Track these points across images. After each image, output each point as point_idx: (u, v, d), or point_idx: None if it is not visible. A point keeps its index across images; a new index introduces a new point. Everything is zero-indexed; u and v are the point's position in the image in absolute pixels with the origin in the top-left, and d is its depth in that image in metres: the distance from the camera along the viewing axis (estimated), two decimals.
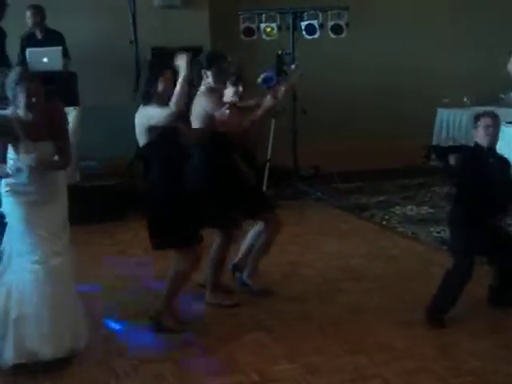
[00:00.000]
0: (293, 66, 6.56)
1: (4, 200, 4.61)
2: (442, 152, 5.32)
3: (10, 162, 4.50)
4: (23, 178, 4.48)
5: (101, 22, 9.23)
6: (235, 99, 5.65)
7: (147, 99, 4.87)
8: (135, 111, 8.73)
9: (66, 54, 8.70)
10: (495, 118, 5.23)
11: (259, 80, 6.17)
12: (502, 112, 10.35)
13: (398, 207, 8.86)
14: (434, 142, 11.38)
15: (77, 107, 8.26)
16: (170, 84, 4.81)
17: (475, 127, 5.21)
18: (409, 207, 8.84)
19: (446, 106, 11.27)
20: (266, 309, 5.51)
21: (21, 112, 4.50)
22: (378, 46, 11.02)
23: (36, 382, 4.38)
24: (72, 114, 8.19)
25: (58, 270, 4.54)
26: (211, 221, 5.39)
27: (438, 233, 7.56)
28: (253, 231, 5.94)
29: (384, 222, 8.20)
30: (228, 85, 5.62)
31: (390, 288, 5.90)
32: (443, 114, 11.35)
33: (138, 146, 8.57)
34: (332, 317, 5.32)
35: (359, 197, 9.46)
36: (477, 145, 5.20)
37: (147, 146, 4.92)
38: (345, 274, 6.33)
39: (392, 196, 9.49)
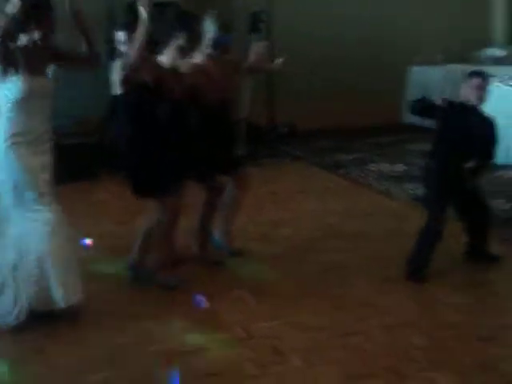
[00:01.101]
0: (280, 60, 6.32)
1: (4, 153, 4.50)
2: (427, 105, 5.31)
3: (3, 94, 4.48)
4: None
5: None
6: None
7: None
8: (107, 68, 8.73)
9: None
10: (486, 79, 5.27)
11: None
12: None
13: (372, 164, 8.94)
14: (407, 99, 11.44)
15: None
16: None
17: (464, 84, 5.24)
18: (383, 164, 8.92)
19: (418, 63, 11.33)
20: (247, 268, 5.56)
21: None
22: (355, 2, 10.98)
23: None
24: None
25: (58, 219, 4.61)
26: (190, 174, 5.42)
27: (412, 190, 7.65)
28: None
29: (360, 180, 8.27)
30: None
31: (368, 245, 5.98)
32: (416, 72, 11.41)
33: (109, 103, 8.61)
34: (312, 275, 5.38)
35: (334, 154, 9.51)
36: (462, 102, 5.23)
37: (122, 96, 4.94)
38: (323, 232, 6.39)
39: (367, 153, 9.57)
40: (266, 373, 3.95)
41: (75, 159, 8.19)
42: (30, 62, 4.43)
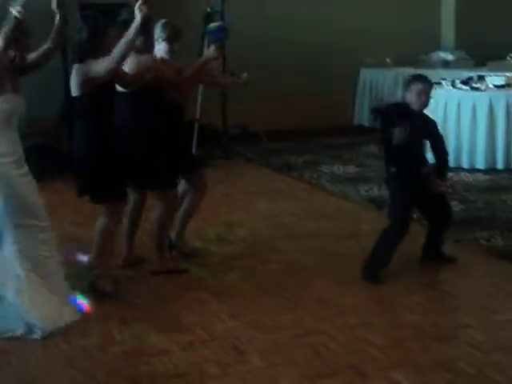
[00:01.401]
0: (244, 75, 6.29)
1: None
2: (384, 116, 5.34)
3: None
4: None
5: None
6: (168, 57, 5.49)
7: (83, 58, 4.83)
8: (61, 70, 8.62)
9: None
10: (428, 83, 5.35)
11: (211, 27, 6.00)
12: (422, 72, 10.71)
13: (325, 166, 9.01)
14: (358, 101, 11.61)
15: None
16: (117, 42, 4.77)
17: (407, 90, 5.30)
18: (336, 166, 9.00)
19: (368, 65, 11.48)
20: (205, 269, 5.55)
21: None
22: (306, 5, 11.04)
23: None
24: None
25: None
26: (146, 183, 5.40)
27: (366, 191, 7.74)
28: None
29: (313, 181, 8.33)
30: (161, 41, 5.45)
31: (325, 246, 6.03)
32: (366, 74, 11.57)
33: (64, 103, 8.53)
34: (269, 275, 5.41)
35: (287, 156, 9.58)
36: (408, 107, 5.30)
37: (79, 98, 4.86)
38: (279, 233, 6.43)
39: (319, 155, 9.65)
40: (227, 373, 3.96)
41: (27, 161, 8.07)
42: (11, 81, 4.42)
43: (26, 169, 4.52)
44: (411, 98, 5.25)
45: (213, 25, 5.93)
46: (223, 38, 5.81)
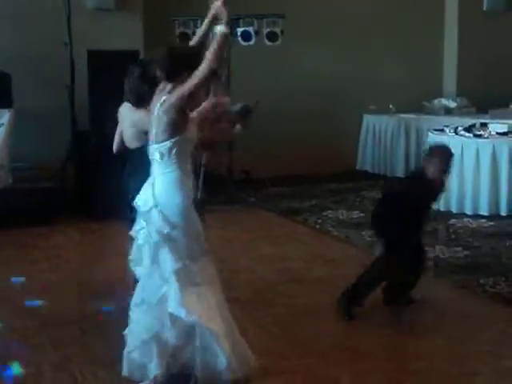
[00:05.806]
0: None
1: (186, 214, 4.32)
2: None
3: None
4: None
5: (35, 24, 9.12)
6: None
7: (141, 101, 4.89)
8: (68, 113, 8.72)
9: None
10: (452, 159, 5.44)
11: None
12: (425, 119, 10.90)
13: (329, 211, 9.05)
14: (361, 147, 11.70)
15: (11, 109, 8.17)
16: None
17: (429, 160, 5.32)
18: (340, 211, 9.04)
19: (371, 112, 11.60)
20: None
21: None
22: (310, 54, 11.16)
23: None
24: (5, 116, 8.12)
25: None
26: None
27: (370, 237, 7.73)
28: None
29: (318, 226, 8.37)
30: None
31: (331, 290, 5.97)
32: (369, 120, 11.68)
33: (70, 149, 8.62)
34: (276, 319, 5.41)
35: (291, 201, 9.64)
36: (429, 181, 5.31)
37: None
38: (285, 277, 6.44)
39: (323, 200, 9.70)
40: None
41: (32, 203, 8.16)
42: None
43: None
44: (432, 170, 5.26)
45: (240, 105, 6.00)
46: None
